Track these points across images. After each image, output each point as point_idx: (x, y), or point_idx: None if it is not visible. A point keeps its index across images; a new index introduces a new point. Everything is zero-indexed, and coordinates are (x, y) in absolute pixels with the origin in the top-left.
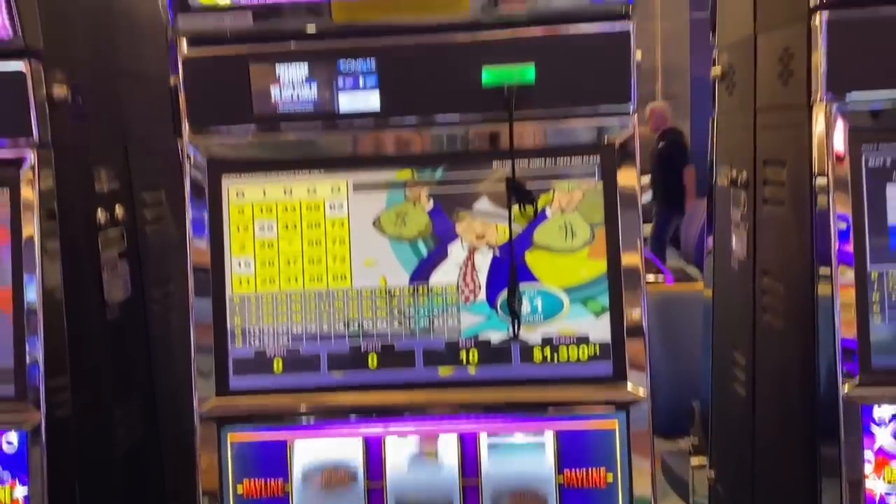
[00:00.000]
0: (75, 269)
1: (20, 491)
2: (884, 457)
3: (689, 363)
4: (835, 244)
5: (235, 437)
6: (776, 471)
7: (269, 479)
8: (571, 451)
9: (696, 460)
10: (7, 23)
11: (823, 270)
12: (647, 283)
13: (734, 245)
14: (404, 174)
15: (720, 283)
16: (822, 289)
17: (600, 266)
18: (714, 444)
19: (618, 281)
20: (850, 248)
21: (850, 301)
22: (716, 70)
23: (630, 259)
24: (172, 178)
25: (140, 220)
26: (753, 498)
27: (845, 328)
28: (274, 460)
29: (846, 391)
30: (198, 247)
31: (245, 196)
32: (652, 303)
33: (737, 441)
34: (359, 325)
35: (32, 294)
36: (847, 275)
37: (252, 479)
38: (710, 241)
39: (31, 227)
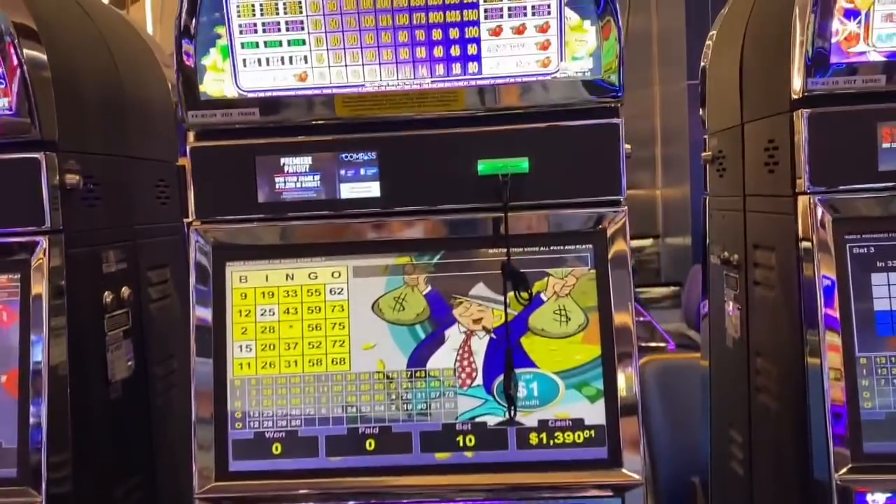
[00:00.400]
0: (81, 348)
1: None
2: None
3: (691, 431)
4: (822, 328)
5: None
6: None
7: None
8: None
9: None
10: (25, 114)
11: (812, 351)
12: (649, 348)
13: (728, 323)
14: (403, 260)
15: (716, 360)
16: (812, 359)
17: (594, 350)
18: None
19: (612, 364)
20: (835, 314)
21: (837, 367)
22: (706, 154)
23: (623, 342)
24: (177, 254)
25: (145, 298)
26: None
27: (834, 392)
28: None
29: (839, 477)
30: (200, 330)
31: (248, 281)
32: (654, 371)
33: None
34: (357, 409)
35: (39, 375)
36: (836, 355)
37: None
38: (705, 305)
39: (40, 308)
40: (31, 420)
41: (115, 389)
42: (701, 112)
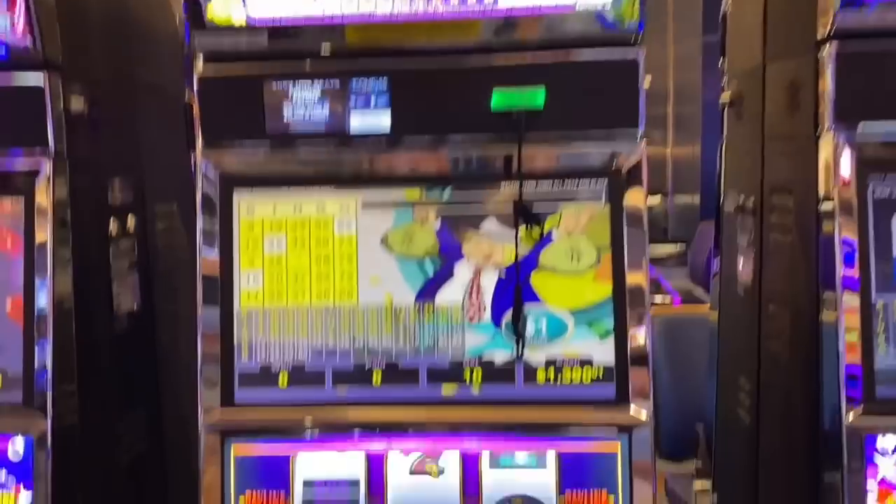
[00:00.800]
0: (86, 278)
1: (24, 497)
2: (887, 488)
3: (695, 385)
4: (839, 272)
5: (239, 449)
6: (779, 498)
7: (270, 492)
8: (573, 473)
9: (699, 484)
10: (28, 36)
11: (828, 297)
12: (653, 304)
13: (740, 271)
14: (413, 193)
15: (726, 309)
16: (827, 316)
17: (605, 289)
18: (718, 468)
19: (623, 304)
20: (855, 275)
21: (854, 328)
22: (725, 96)
23: (635, 282)
24: (185, 190)
25: (151, 231)
26: None
27: (849, 355)
28: (276, 474)
29: (850, 420)
30: (207, 260)
31: (255, 211)
32: (658, 324)
33: (741, 467)
34: (364, 343)
35: (43, 302)
36: (852, 302)
37: (254, 491)
38: (717, 262)
39: (45, 236)
40: (37, 349)
41: (120, 322)
42: (720, 61)
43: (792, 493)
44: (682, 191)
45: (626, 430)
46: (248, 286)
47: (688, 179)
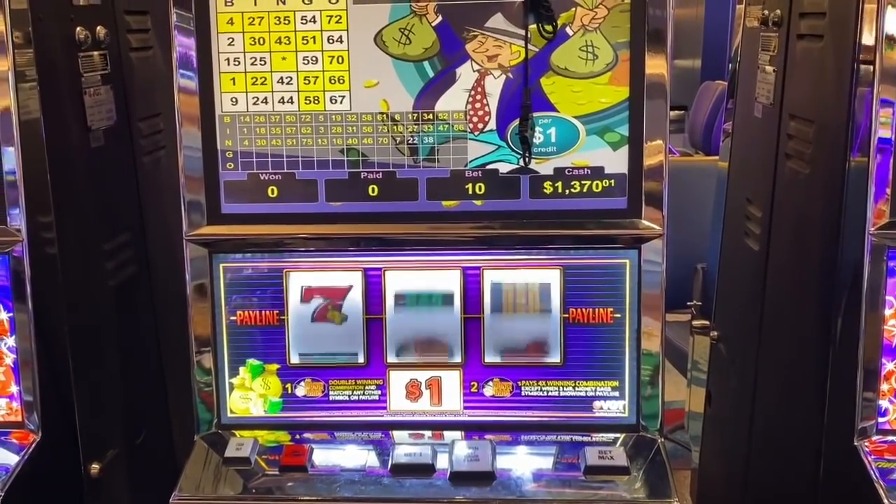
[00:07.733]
0: (53, 89)
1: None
2: None
3: (692, 232)
4: (878, 65)
5: (228, 265)
6: (787, 320)
7: (263, 312)
8: (578, 288)
9: (698, 322)
10: None
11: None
12: None
13: (760, 91)
14: None
15: (740, 135)
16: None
17: (622, 93)
18: (719, 303)
19: (639, 109)
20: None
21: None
22: None
23: (655, 83)
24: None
25: (124, 44)
26: (759, 348)
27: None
28: (268, 290)
29: (874, 232)
30: (184, 60)
31: (234, 4)
32: None
33: (746, 295)
34: (359, 152)
35: (8, 112)
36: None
37: (245, 311)
38: (731, 103)
39: (4, 38)
40: (3, 157)
41: (95, 138)
42: None
43: (802, 310)
44: (683, 55)
45: (638, 242)
46: (230, 89)
47: (690, 43)
